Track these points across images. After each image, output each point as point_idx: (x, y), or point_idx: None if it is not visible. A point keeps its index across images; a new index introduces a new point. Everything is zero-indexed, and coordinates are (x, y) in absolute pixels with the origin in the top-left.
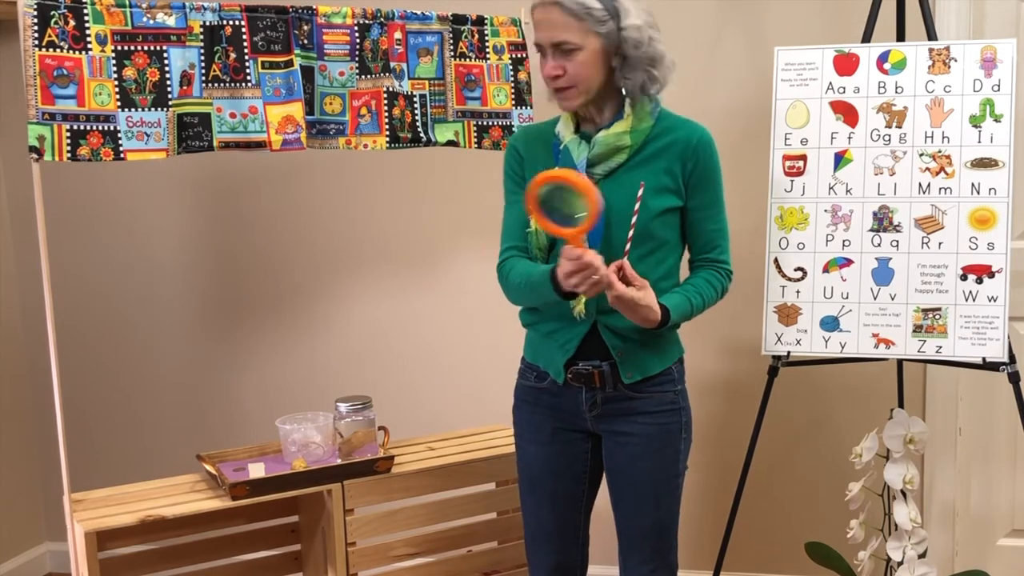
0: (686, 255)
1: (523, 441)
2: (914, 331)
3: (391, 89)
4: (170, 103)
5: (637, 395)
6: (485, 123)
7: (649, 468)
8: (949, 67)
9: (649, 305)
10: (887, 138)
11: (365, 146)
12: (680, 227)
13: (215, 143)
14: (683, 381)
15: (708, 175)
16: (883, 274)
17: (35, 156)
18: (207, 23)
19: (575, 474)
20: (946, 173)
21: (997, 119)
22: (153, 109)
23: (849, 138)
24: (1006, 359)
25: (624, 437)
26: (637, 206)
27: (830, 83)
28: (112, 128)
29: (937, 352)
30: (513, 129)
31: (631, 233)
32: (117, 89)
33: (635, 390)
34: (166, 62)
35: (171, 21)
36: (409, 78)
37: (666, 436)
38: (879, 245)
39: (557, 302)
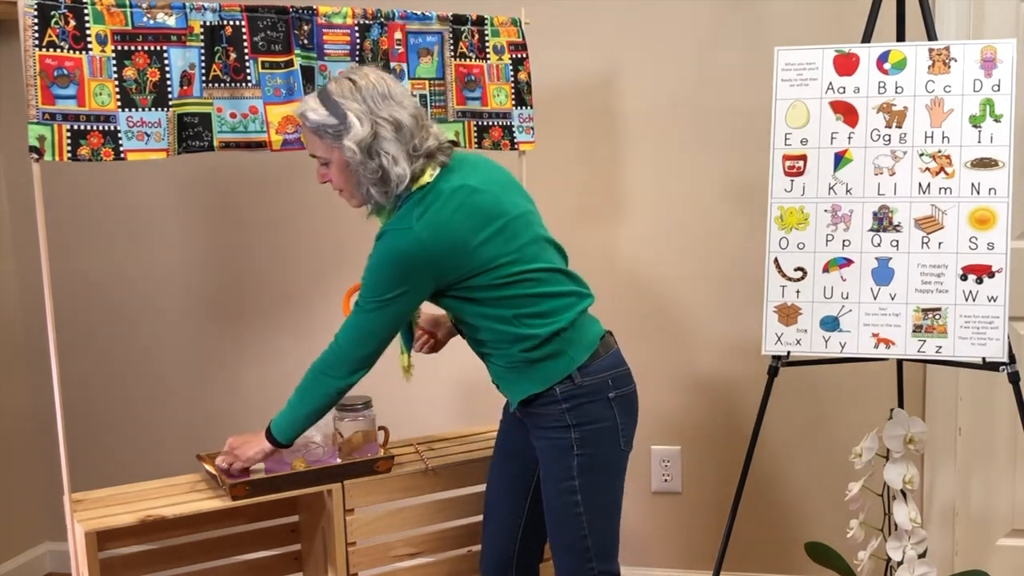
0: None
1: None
2: (914, 331)
3: None
4: (170, 103)
5: (535, 411)
6: (485, 123)
7: (546, 481)
8: (949, 67)
9: (245, 453)
10: (887, 138)
11: None
12: (457, 300)
13: (215, 143)
14: (577, 399)
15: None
16: (883, 274)
17: (35, 156)
18: (207, 23)
19: (526, 460)
20: (946, 173)
21: (997, 119)
22: (153, 109)
23: (849, 138)
24: (1006, 359)
25: (538, 450)
26: None
27: (830, 83)
28: (112, 128)
29: (937, 352)
30: (513, 130)
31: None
32: (117, 89)
33: (529, 406)
34: (166, 62)
35: (171, 21)
36: (409, 78)
37: (556, 452)
38: (879, 245)
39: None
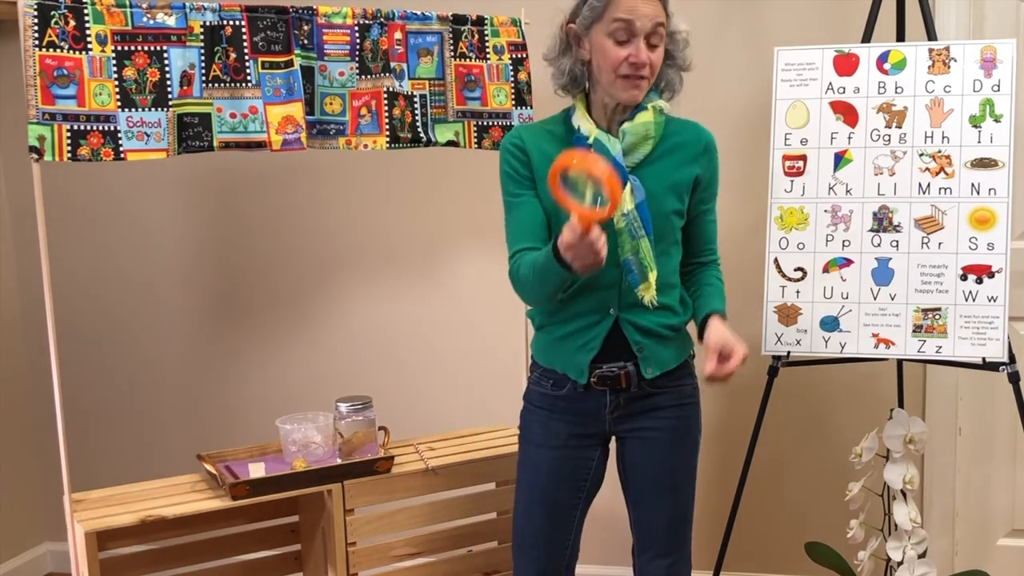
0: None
1: (531, 445)
2: (914, 331)
3: (391, 89)
4: (170, 103)
5: (657, 391)
6: (485, 123)
7: (670, 462)
8: (949, 67)
9: (732, 339)
10: (887, 138)
11: (365, 146)
12: (696, 217)
13: (215, 143)
14: (695, 375)
15: (715, 176)
16: (883, 274)
17: (35, 156)
18: (207, 23)
19: (576, 482)
20: (946, 173)
21: (997, 119)
22: (153, 109)
23: (849, 138)
24: (1006, 359)
25: (645, 432)
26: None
27: (830, 83)
28: (112, 128)
29: (937, 352)
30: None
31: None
32: (117, 89)
33: (655, 386)
34: (166, 62)
35: (171, 21)
36: (409, 78)
37: (685, 429)
38: (879, 245)
39: (570, 287)
